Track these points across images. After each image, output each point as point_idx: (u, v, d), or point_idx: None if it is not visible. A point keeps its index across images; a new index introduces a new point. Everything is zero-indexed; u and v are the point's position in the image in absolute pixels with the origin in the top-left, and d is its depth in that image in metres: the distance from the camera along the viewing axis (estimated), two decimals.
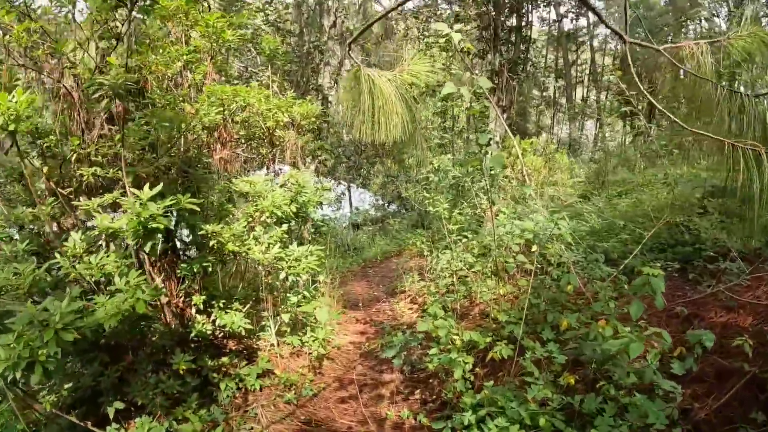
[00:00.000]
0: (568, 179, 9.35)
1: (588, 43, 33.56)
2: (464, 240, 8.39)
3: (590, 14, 29.40)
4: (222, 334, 5.44)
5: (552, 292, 5.53)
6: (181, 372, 4.50)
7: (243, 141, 5.65)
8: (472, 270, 7.84)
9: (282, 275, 4.88)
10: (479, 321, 6.82)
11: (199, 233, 4.72)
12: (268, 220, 5.01)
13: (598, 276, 5.97)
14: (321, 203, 7.34)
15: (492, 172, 8.04)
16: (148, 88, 4.91)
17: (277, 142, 5.84)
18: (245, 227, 4.90)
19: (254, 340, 6.03)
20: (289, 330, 6.16)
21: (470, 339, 4.75)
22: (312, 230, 8.41)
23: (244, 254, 4.82)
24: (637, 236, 7.74)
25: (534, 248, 4.80)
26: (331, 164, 19.28)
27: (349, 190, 19.49)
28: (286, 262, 4.87)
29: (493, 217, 5.44)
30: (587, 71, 34.39)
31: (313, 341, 5.84)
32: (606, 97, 31.83)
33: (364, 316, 8.46)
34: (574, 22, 31.30)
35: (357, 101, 3.33)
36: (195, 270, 4.87)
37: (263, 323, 5.96)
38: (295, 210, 5.31)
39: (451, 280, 8.42)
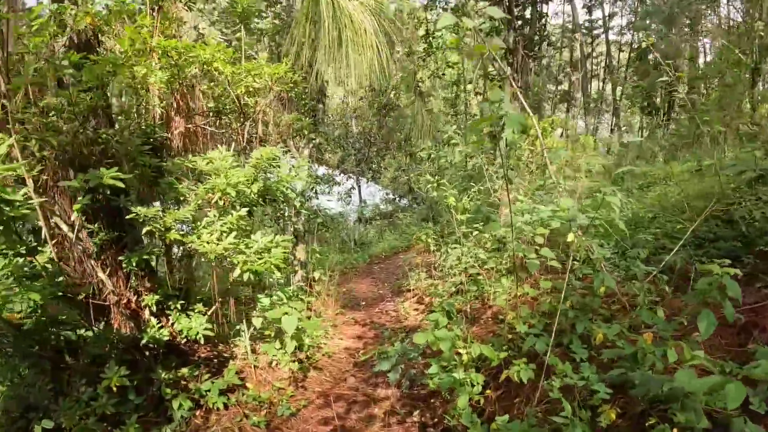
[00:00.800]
0: (593, 162, 8.28)
1: (603, 35, 32.20)
2: (475, 233, 7.35)
3: (605, 5, 28.10)
4: (186, 340, 4.47)
5: (580, 294, 4.48)
6: (114, 388, 3.54)
7: (212, 114, 4.66)
8: (485, 267, 6.82)
9: (237, 272, 3.88)
10: (492, 327, 5.80)
11: (127, 217, 3.74)
12: (220, 202, 4.01)
13: (631, 275, 4.92)
14: (315, 191, 6.39)
15: (509, 139, 7.03)
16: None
17: (251, 114, 4.82)
18: (194, 211, 3.90)
19: (230, 346, 5.06)
20: (272, 335, 5.18)
21: (481, 354, 3.74)
22: (311, 218, 7.44)
23: (190, 245, 3.84)
24: (669, 230, 6.65)
25: (570, 237, 3.74)
26: (339, 157, 18.31)
27: (358, 184, 18.51)
28: (245, 256, 3.86)
29: (510, 201, 4.39)
30: (603, 64, 33.06)
31: (283, 354, 4.84)
32: (623, 90, 30.40)
33: (364, 318, 7.47)
34: (589, 13, 29.95)
35: (317, 33, 2.30)
36: (135, 263, 3.90)
37: (238, 327, 4.99)
38: (258, 191, 4.26)
39: (460, 278, 7.42)
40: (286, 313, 4.45)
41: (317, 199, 7.11)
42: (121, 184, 3.35)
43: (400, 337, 6.06)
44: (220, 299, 4.44)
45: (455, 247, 7.89)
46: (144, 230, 3.86)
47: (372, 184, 20.24)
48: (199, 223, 3.92)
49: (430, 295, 7.67)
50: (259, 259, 3.88)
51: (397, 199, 19.06)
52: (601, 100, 30.48)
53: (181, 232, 3.92)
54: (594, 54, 33.10)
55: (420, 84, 14.66)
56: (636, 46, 27.65)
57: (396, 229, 14.37)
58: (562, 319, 4.00)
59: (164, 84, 4.03)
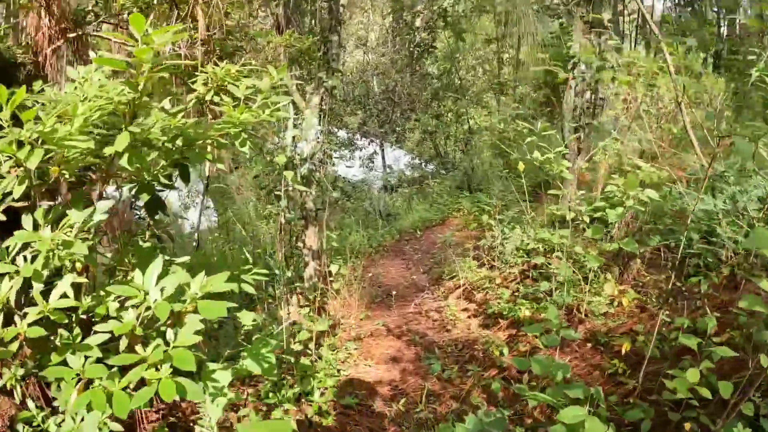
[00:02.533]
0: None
1: None
2: (552, 207, 5.30)
3: None
4: None
5: None
6: None
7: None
8: (558, 255, 4.74)
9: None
10: (594, 357, 3.76)
11: None
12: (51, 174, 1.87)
13: None
14: (329, 156, 4.39)
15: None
16: None
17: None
18: None
19: None
20: None
21: None
22: (325, 192, 5.41)
23: None
24: None
25: None
26: (360, 118, 16.12)
27: (382, 148, 16.33)
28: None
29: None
30: (635, 24, 29.86)
31: None
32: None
33: (397, 323, 5.50)
34: None
35: None
36: None
37: None
38: (173, 156, 2.01)
39: (522, 267, 5.39)
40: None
41: (333, 165, 5.09)
42: None
43: (467, 388, 4.03)
44: None
45: (514, 227, 5.82)
46: None
47: (396, 149, 18.05)
48: None
49: (482, 290, 5.62)
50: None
51: (423, 164, 16.87)
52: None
53: None
54: (627, 12, 29.93)
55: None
56: None
57: (425, 197, 12.25)
58: None
59: None
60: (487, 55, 21.48)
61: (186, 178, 2.25)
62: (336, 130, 17.19)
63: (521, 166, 4.78)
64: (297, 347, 4.02)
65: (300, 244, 5.09)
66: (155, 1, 2.82)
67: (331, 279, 5.20)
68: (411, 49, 13.90)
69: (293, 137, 4.63)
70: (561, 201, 6.70)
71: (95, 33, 2.78)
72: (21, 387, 2.00)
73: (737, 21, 14.91)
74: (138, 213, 5.58)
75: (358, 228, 9.70)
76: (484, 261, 6.12)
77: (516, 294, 5.26)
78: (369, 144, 16.85)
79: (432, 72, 15.91)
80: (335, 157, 16.49)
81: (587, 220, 4.12)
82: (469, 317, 5.39)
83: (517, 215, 6.41)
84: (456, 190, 11.24)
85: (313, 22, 6.52)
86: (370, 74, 15.82)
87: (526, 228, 5.88)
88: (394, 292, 7.17)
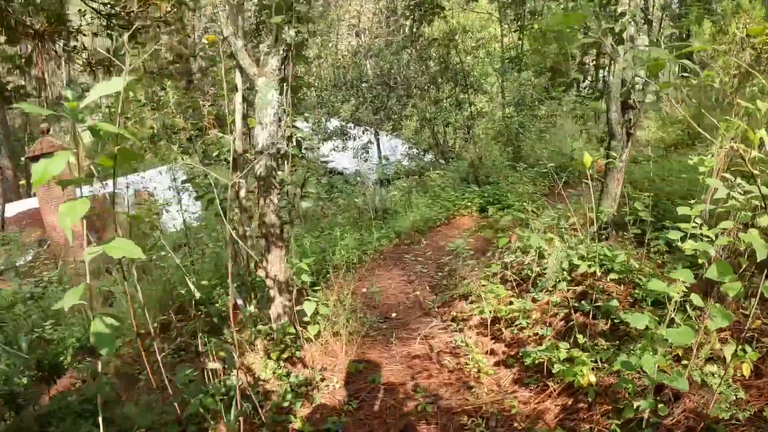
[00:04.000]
0: None
1: None
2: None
3: None
4: None
5: None
6: None
7: None
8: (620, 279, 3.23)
9: None
10: None
11: None
12: None
13: None
14: (297, 141, 2.88)
15: None
16: None
17: None
18: None
19: None
20: None
21: None
22: (294, 197, 3.80)
23: None
24: None
25: None
26: (352, 105, 14.44)
27: (377, 137, 14.68)
28: None
29: None
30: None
31: None
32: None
33: (400, 373, 3.95)
34: None
35: None
36: None
37: None
38: None
39: (566, 293, 3.87)
40: None
41: (302, 158, 3.51)
42: None
43: None
44: None
45: (551, 238, 4.27)
46: None
47: (392, 137, 16.41)
48: None
49: (512, 324, 4.08)
50: None
51: (421, 153, 15.24)
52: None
53: None
54: None
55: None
56: None
57: (426, 191, 10.65)
58: None
59: None
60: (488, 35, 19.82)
61: None
62: (326, 119, 15.55)
63: (587, 159, 3.19)
64: None
65: (261, 273, 3.53)
66: None
67: (307, 320, 3.64)
68: (410, 12, 12.10)
69: (243, 120, 3.06)
70: (604, 198, 5.14)
71: None
72: None
73: None
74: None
75: (350, 227, 8.12)
76: (508, 278, 4.56)
77: (563, 335, 3.72)
78: (363, 133, 15.22)
79: (431, 53, 14.24)
80: (316, 148, 14.84)
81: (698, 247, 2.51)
82: (497, 365, 3.84)
83: (551, 218, 4.82)
84: (462, 183, 9.65)
85: None
86: (363, 56, 14.14)
87: (567, 238, 4.32)
88: (393, 315, 5.65)
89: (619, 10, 4.62)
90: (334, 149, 15.76)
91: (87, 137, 1.63)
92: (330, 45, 14.80)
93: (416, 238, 7.81)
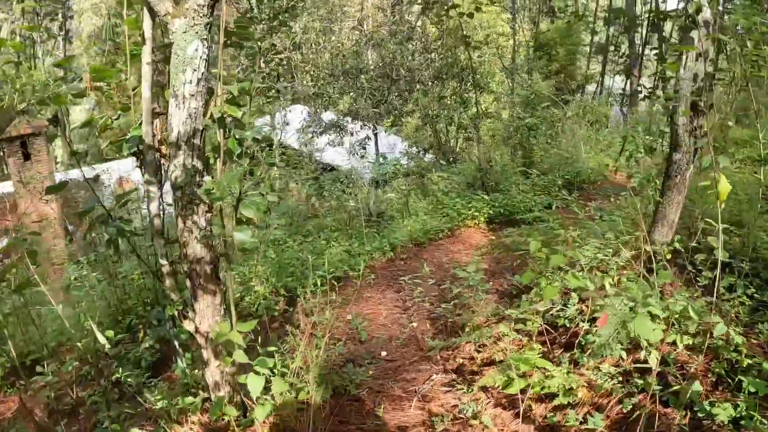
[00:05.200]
0: None
1: None
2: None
3: None
4: None
5: None
6: None
7: None
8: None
9: None
10: None
11: None
12: None
13: None
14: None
15: None
16: None
17: None
18: None
19: None
20: None
21: None
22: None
23: None
24: None
25: None
26: (351, 98, 13.17)
27: (375, 133, 13.43)
28: None
29: None
30: (647, 14, 26.71)
31: None
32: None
33: None
34: None
35: None
36: None
37: None
38: None
39: (627, 364, 2.69)
40: None
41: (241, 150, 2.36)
42: None
43: None
44: None
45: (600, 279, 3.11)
46: None
47: (392, 134, 15.16)
48: None
49: (545, 398, 2.92)
50: None
51: (422, 152, 13.99)
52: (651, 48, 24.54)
53: None
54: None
55: None
56: None
57: (426, 194, 9.44)
58: None
59: None
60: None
61: None
62: (322, 110, 14.30)
63: (723, 189, 2.00)
64: None
65: (189, 326, 2.33)
66: None
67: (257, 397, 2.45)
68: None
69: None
70: (659, 224, 3.96)
71: None
72: None
73: None
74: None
75: (338, 237, 6.93)
76: (539, 331, 3.37)
77: (621, 427, 2.55)
78: (361, 128, 13.95)
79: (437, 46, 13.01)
80: (311, 143, 13.55)
81: None
82: None
83: (597, 249, 3.61)
84: (467, 189, 8.45)
85: None
86: (364, 45, 12.89)
87: (625, 283, 3.13)
88: (383, 354, 4.49)
89: None
90: (329, 143, 14.53)
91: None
92: (329, 31, 13.59)
93: (414, 252, 6.61)
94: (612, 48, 20.97)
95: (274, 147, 14.70)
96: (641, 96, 9.28)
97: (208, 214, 2.09)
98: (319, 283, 5.83)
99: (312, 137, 14.80)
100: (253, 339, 3.01)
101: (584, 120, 12.73)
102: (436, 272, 5.95)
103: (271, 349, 2.66)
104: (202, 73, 1.99)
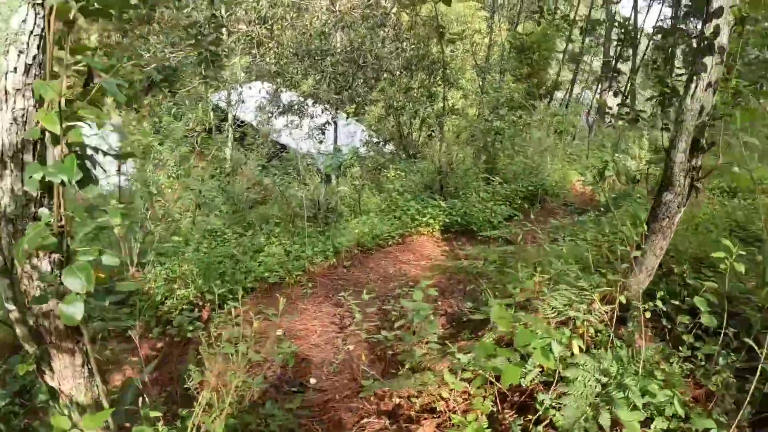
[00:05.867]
0: None
1: None
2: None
3: None
4: None
5: None
6: None
7: None
8: None
9: None
10: None
11: None
12: None
13: None
14: None
15: None
16: None
17: None
18: None
19: None
20: None
21: None
22: None
23: None
24: None
25: None
26: (314, 80, 12.35)
27: (335, 120, 12.68)
28: None
29: None
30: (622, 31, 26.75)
31: None
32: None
33: None
34: None
35: None
36: None
37: None
38: None
39: None
40: None
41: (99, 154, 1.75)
42: None
43: None
44: None
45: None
46: None
47: (353, 122, 14.42)
48: None
49: None
50: None
51: (382, 143, 13.32)
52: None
53: None
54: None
55: None
56: None
57: (381, 190, 8.82)
58: None
59: None
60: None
61: None
62: (283, 90, 13.44)
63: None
64: None
65: (52, 383, 1.67)
66: None
67: None
68: None
69: None
70: (636, 270, 3.47)
71: None
72: None
73: None
74: None
75: (279, 234, 6.25)
76: (489, 381, 2.83)
77: None
78: (322, 113, 13.16)
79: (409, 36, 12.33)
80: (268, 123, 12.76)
81: None
82: None
83: (568, 300, 3.08)
84: (425, 191, 7.88)
85: None
86: (333, 26, 12.07)
87: (595, 351, 2.62)
88: (313, 381, 3.93)
89: (715, 5, 2.93)
90: (287, 125, 13.69)
91: None
92: (301, 9, 12.68)
93: (359, 259, 6.00)
94: (585, 58, 20.78)
95: (228, 122, 13.79)
96: (611, 113, 8.96)
97: (54, 255, 1.44)
98: (249, 290, 5.19)
99: (270, 117, 13.94)
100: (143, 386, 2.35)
101: (551, 128, 12.36)
102: (382, 284, 5.37)
103: (154, 414, 2.01)
104: (34, 57, 1.31)
